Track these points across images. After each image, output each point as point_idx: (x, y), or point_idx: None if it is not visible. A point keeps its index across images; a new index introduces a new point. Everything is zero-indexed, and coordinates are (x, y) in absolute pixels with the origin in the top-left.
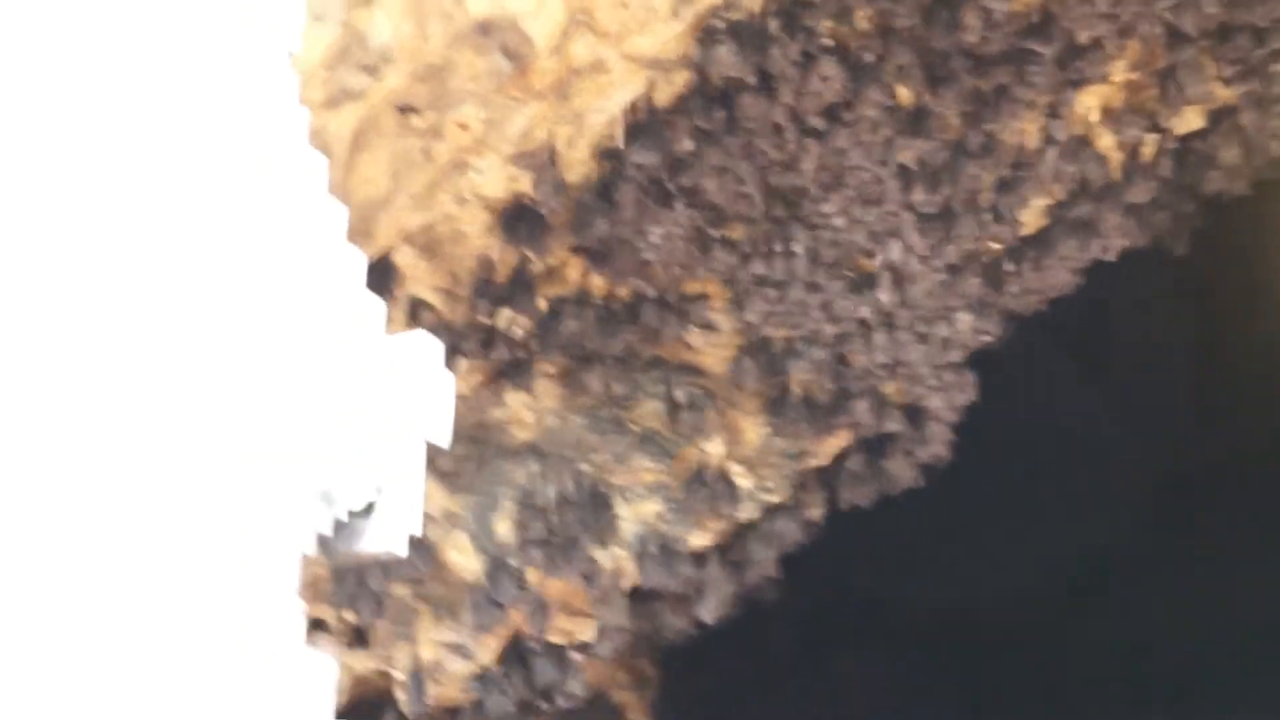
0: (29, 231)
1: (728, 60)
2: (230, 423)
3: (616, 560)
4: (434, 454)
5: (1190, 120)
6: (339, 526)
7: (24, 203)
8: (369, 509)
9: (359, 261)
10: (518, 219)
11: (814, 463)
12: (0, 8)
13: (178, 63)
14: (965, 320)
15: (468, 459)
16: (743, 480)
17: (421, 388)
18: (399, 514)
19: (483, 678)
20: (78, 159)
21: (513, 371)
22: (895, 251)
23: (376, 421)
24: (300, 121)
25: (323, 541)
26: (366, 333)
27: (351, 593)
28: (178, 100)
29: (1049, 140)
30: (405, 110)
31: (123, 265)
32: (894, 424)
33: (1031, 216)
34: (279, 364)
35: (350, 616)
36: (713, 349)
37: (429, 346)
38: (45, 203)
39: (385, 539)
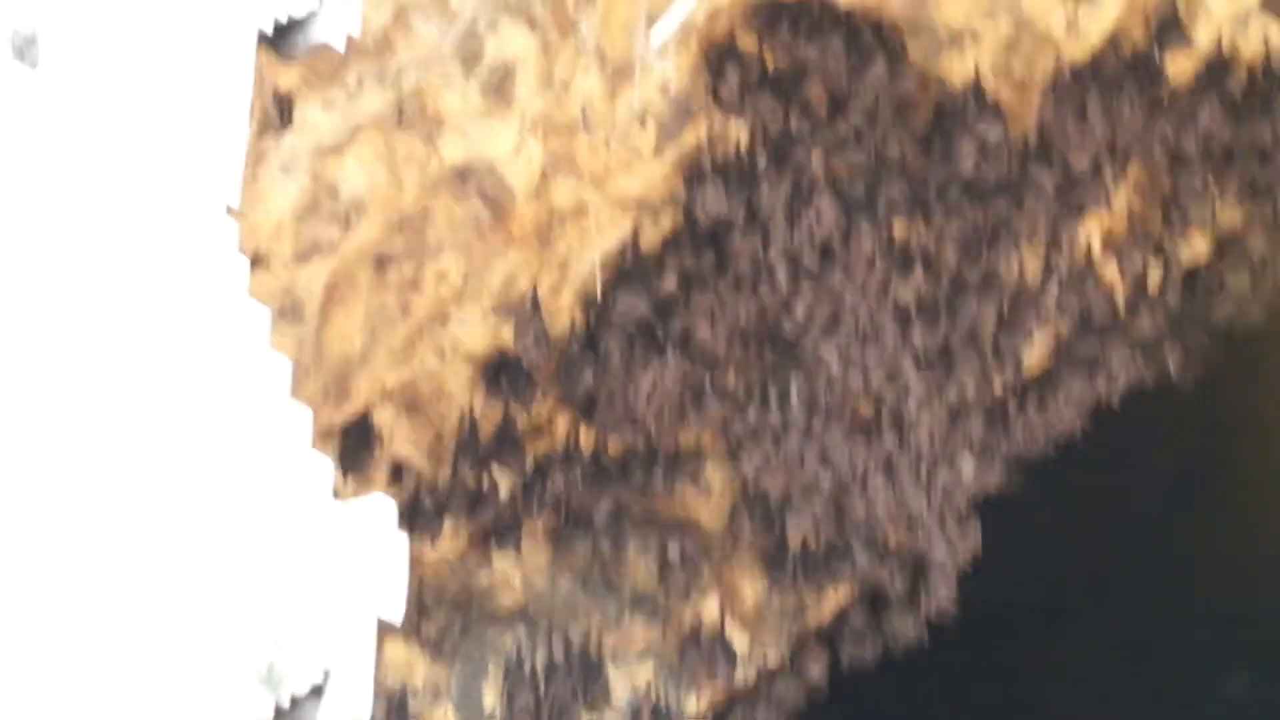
0: None
1: (716, 199)
2: (164, 595)
3: None
4: (418, 621)
5: (1196, 246)
6: (281, 713)
7: None
8: (316, 691)
9: (304, 418)
10: (501, 372)
11: (814, 620)
12: None
13: (114, 215)
14: (968, 466)
15: (452, 625)
16: (740, 641)
17: (373, 556)
18: (348, 697)
19: None
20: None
21: (499, 532)
22: (894, 395)
23: (325, 594)
24: (240, 272)
25: None
26: (314, 495)
27: None
28: (115, 255)
29: (1050, 272)
30: (381, 262)
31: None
32: (897, 577)
33: (1035, 354)
34: (215, 532)
35: None
36: (707, 503)
37: (380, 508)
38: None
39: None
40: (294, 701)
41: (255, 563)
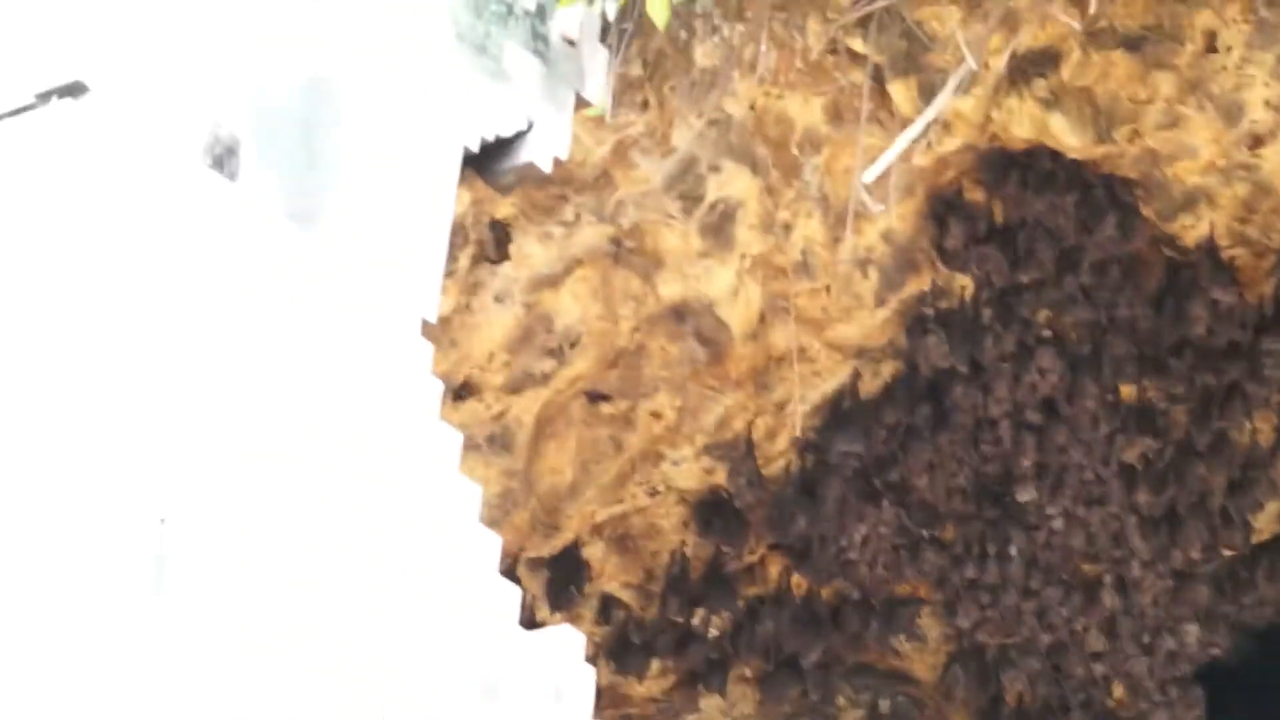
0: None
1: (938, 351)
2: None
3: None
4: None
5: None
6: None
7: None
8: None
9: (492, 546)
10: (713, 513)
11: None
12: None
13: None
14: (1193, 632)
15: None
16: None
17: (559, 684)
18: None
19: None
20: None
21: (707, 674)
22: (1119, 557)
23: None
24: (432, 393)
25: None
26: (499, 622)
27: None
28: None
29: None
30: (595, 398)
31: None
32: None
33: (1265, 521)
34: (398, 658)
35: None
36: (921, 656)
37: (568, 639)
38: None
39: None
40: None
41: (438, 689)
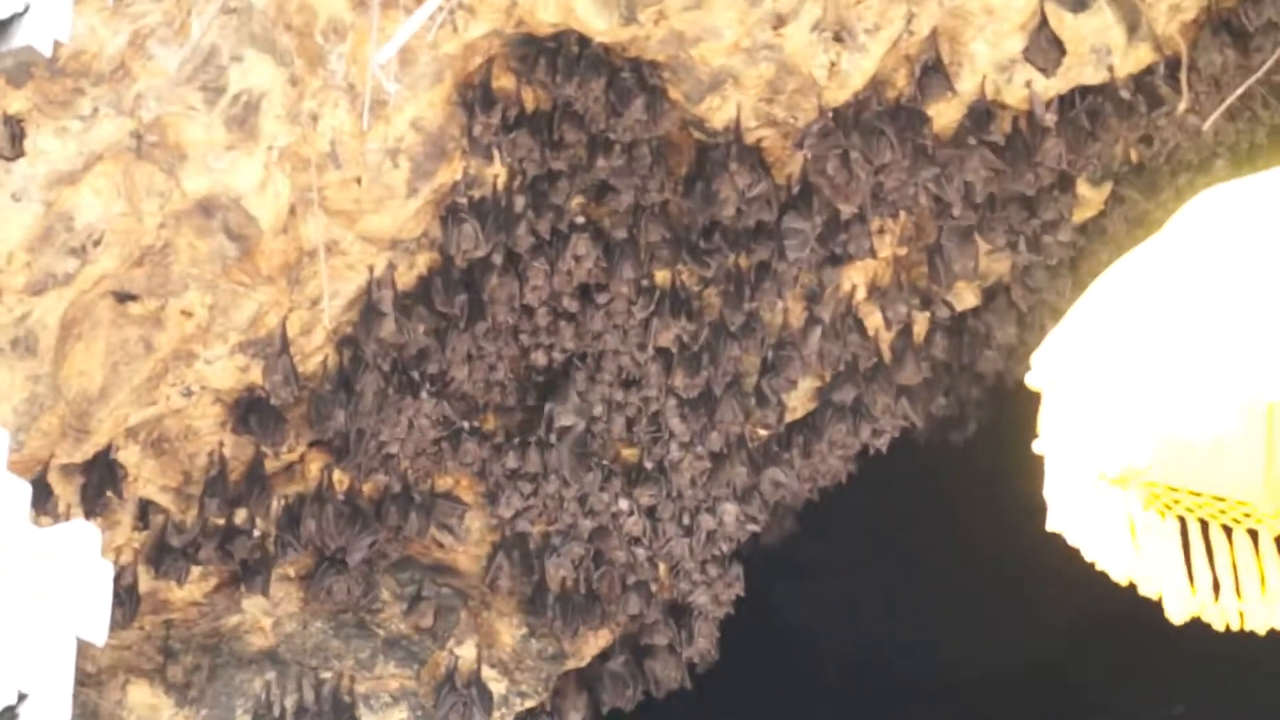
0: None
1: (472, 240)
2: None
3: None
4: (164, 663)
5: (964, 297)
6: None
7: None
8: (9, 713)
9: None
10: (250, 411)
11: (573, 664)
12: None
13: None
14: (731, 511)
15: (199, 669)
16: (497, 685)
17: (73, 579)
18: (44, 718)
19: None
20: None
21: (249, 575)
22: (656, 439)
23: (19, 618)
24: None
25: None
26: (8, 521)
27: None
28: None
29: (813, 319)
30: (123, 298)
31: None
32: (657, 622)
33: (799, 400)
34: None
35: None
36: (464, 547)
37: (85, 535)
38: None
39: None
40: None
41: None
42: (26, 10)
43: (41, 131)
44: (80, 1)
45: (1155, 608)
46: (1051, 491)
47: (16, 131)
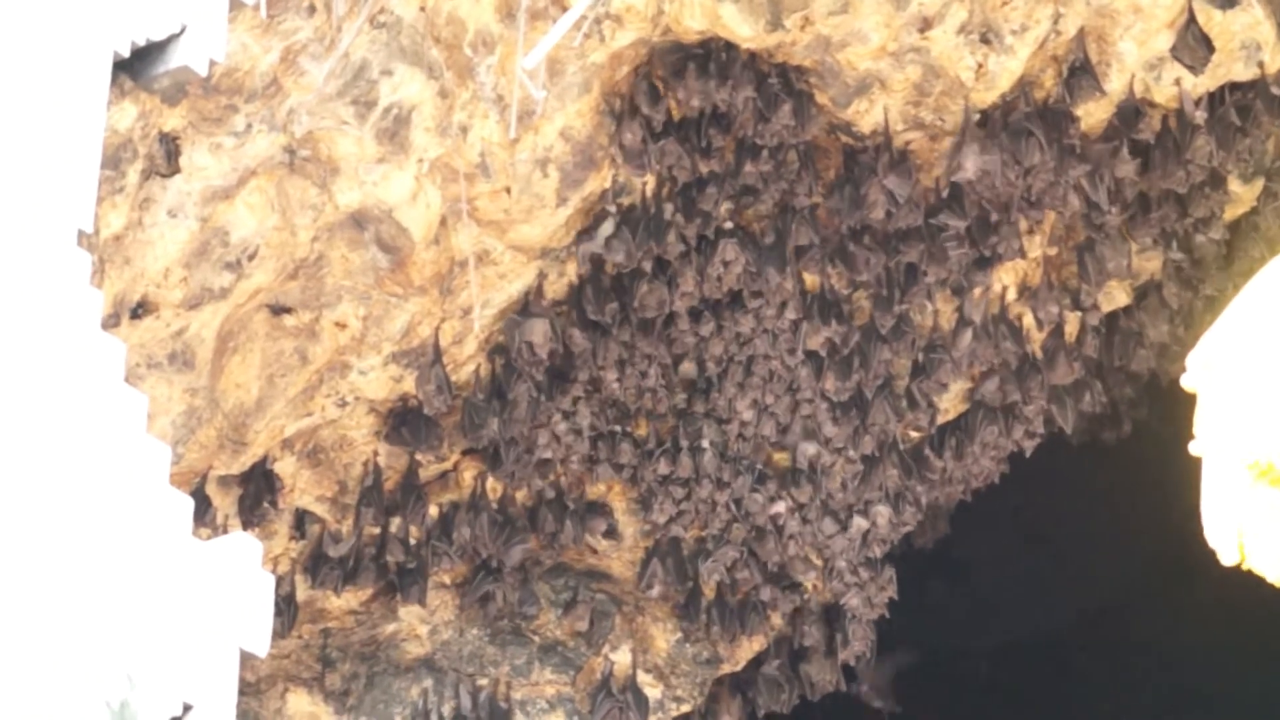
0: None
1: (621, 248)
2: (6, 629)
3: None
4: (323, 672)
5: (1115, 297)
6: None
7: None
8: None
9: (161, 455)
10: (404, 421)
11: (728, 669)
12: None
13: None
14: (883, 513)
15: (357, 677)
16: (652, 690)
17: (235, 591)
18: None
19: None
20: None
21: (405, 584)
22: (808, 443)
23: (184, 630)
24: (92, 304)
25: None
26: (171, 532)
27: None
28: None
29: (963, 321)
30: (277, 310)
31: None
32: (812, 625)
33: (950, 401)
34: (62, 567)
35: None
36: (618, 553)
37: (246, 547)
38: None
39: None
40: None
41: (105, 598)
42: (183, 31)
43: (196, 148)
44: (233, 20)
45: None
46: (1206, 492)
47: (172, 149)
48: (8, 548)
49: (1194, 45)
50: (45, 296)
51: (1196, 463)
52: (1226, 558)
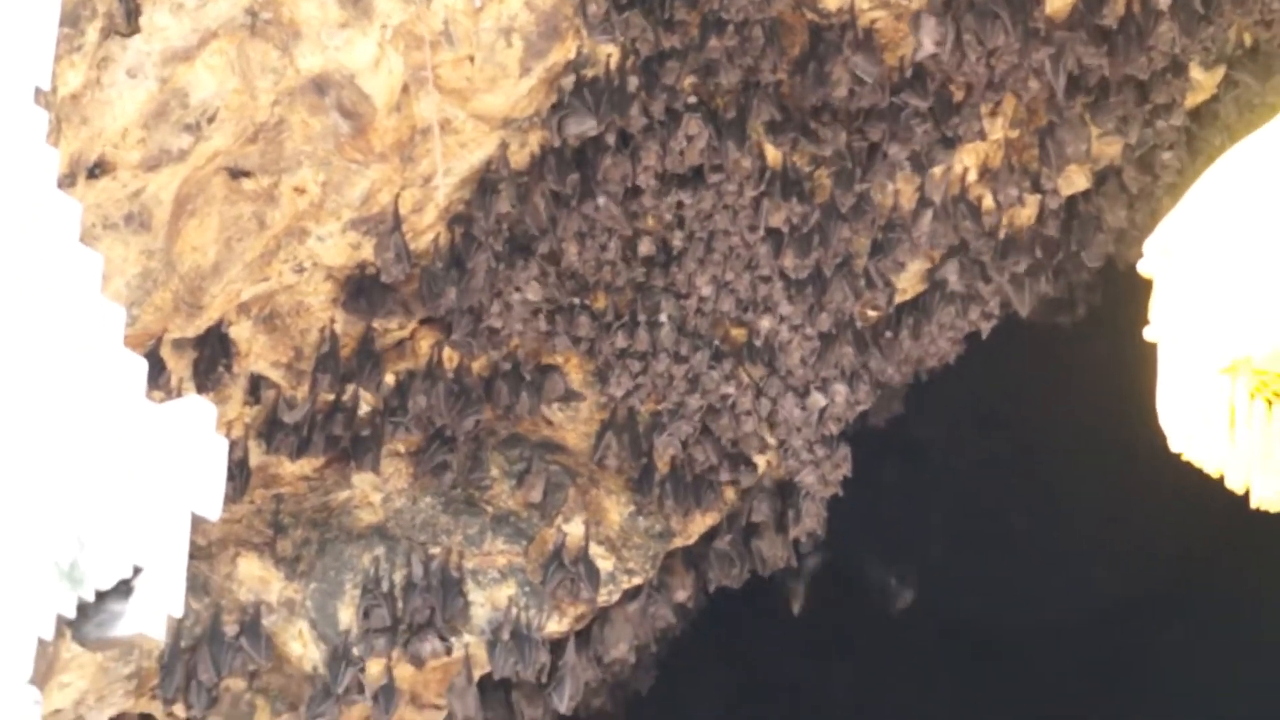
0: None
1: (584, 120)
2: None
3: (468, 648)
4: (274, 538)
5: (1075, 181)
6: (86, 607)
7: None
8: (123, 588)
9: (116, 316)
10: (361, 288)
11: (680, 543)
12: None
13: None
14: (840, 391)
15: (309, 543)
16: (604, 562)
17: (188, 454)
18: (157, 594)
19: None
20: None
21: (359, 451)
22: (765, 319)
23: (135, 492)
24: (49, 163)
25: (65, 624)
26: (124, 394)
27: (179, 685)
28: None
29: (924, 201)
30: (236, 174)
31: None
32: (765, 501)
33: (908, 281)
34: (20, 424)
35: (179, 711)
36: (573, 425)
37: (200, 411)
38: None
39: (140, 621)
40: (101, 596)
41: (55, 459)
42: None
43: (157, 8)
44: None
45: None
46: (1161, 378)
47: (132, 8)
48: None
49: None
50: (0, 153)
51: (1151, 348)
52: (1176, 444)
